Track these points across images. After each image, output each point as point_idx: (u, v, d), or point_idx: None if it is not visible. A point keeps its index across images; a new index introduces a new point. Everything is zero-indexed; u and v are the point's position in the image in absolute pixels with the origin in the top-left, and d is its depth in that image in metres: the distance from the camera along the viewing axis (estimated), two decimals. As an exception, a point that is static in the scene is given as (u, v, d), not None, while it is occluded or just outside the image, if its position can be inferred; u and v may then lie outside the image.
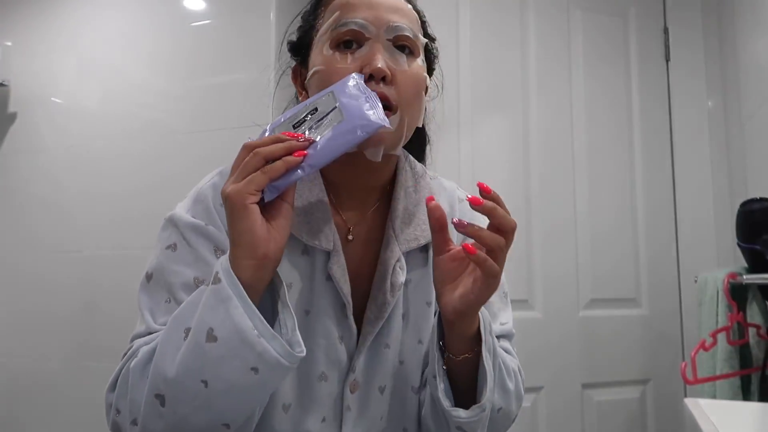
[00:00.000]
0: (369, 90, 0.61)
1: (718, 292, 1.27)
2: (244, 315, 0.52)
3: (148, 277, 0.66)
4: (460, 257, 0.62)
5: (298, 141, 0.55)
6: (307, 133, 0.58)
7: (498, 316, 0.77)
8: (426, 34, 0.76)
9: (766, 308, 1.26)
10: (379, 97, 0.62)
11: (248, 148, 0.55)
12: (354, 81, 0.61)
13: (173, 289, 0.63)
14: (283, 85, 0.81)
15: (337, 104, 0.59)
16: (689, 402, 0.89)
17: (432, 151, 0.87)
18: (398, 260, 0.70)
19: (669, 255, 1.80)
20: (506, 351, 0.76)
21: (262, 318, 0.52)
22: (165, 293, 0.64)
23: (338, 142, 0.57)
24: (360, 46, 0.66)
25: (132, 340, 0.63)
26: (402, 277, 0.70)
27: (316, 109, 0.59)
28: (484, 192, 0.59)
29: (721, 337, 1.24)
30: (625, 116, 1.83)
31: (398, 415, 0.73)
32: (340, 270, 0.68)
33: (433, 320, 0.73)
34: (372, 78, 0.64)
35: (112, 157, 1.94)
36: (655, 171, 1.82)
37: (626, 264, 1.78)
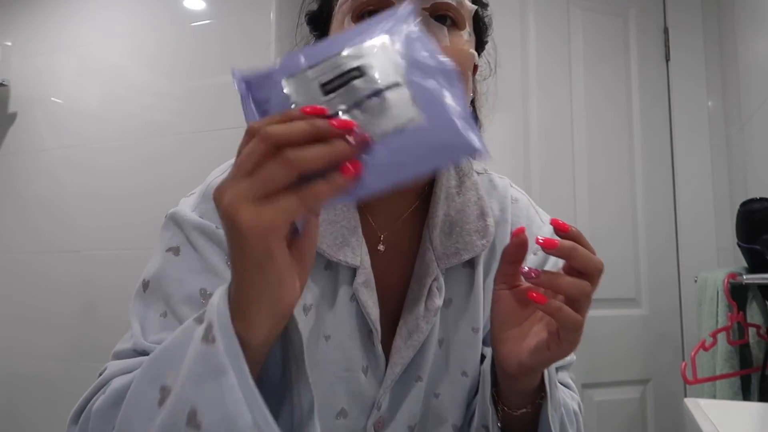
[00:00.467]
0: (447, 63, 0.38)
1: (718, 292, 1.27)
2: (242, 401, 0.35)
3: (145, 284, 0.55)
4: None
5: (347, 137, 0.35)
6: (343, 114, 0.36)
7: None
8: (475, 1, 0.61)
9: (766, 308, 1.26)
10: None
11: (267, 139, 0.34)
12: (419, 36, 0.39)
13: (172, 302, 0.53)
14: None
15: (401, 80, 0.37)
16: (689, 402, 0.89)
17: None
18: (435, 279, 0.59)
19: (669, 255, 1.80)
20: (566, 386, 0.66)
21: (265, 408, 0.36)
22: (162, 305, 0.53)
23: (409, 160, 0.36)
24: None
25: (113, 357, 0.53)
26: (439, 300, 0.59)
27: (361, 72, 0.37)
28: (561, 230, 0.48)
29: (721, 337, 1.24)
30: (625, 116, 1.83)
31: None
32: (367, 291, 0.57)
33: (479, 348, 0.63)
34: None
35: (111, 157, 1.95)
36: (655, 171, 1.82)
37: (626, 264, 1.78)
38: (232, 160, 0.56)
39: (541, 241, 0.46)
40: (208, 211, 0.57)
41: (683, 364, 1.26)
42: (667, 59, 1.86)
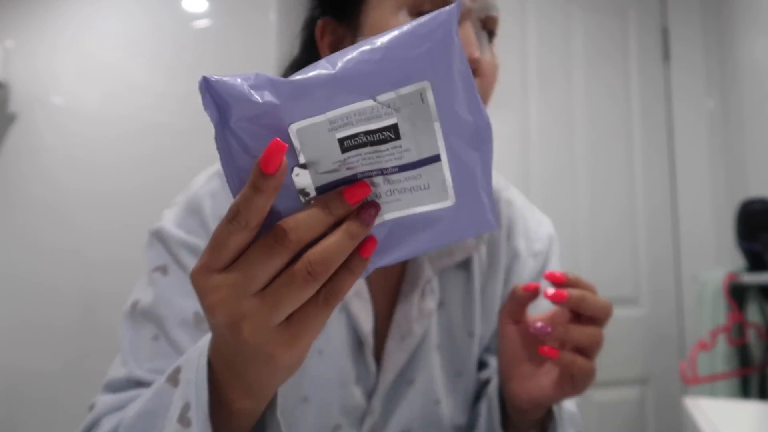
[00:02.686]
0: (485, 118, 0.32)
1: (718, 292, 1.27)
2: None
3: (134, 305, 0.52)
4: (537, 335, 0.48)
5: (361, 214, 0.30)
6: (362, 176, 0.31)
7: None
8: None
9: (766, 308, 1.26)
10: None
11: (288, 246, 0.29)
12: (462, 75, 0.30)
13: (165, 325, 0.50)
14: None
15: (440, 151, 0.31)
16: (689, 402, 0.89)
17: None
18: (428, 281, 0.58)
19: (669, 255, 1.80)
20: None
21: None
22: (152, 328, 0.51)
23: (427, 236, 0.33)
24: None
25: (104, 389, 0.50)
26: (432, 303, 0.58)
27: (394, 134, 0.30)
28: (558, 282, 0.46)
29: (721, 337, 1.24)
30: (625, 116, 1.83)
31: None
32: (360, 302, 0.55)
33: (476, 353, 0.61)
34: None
35: (112, 158, 1.95)
36: (655, 171, 1.82)
37: (626, 264, 1.78)
38: (216, 168, 0.55)
39: (550, 294, 0.45)
40: (193, 227, 0.54)
41: (683, 364, 1.26)
42: (667, 59, 1.86)
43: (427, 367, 0.58)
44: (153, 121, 1.90)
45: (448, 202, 0.31)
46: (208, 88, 0.29)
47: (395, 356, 0.57)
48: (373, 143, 0.30)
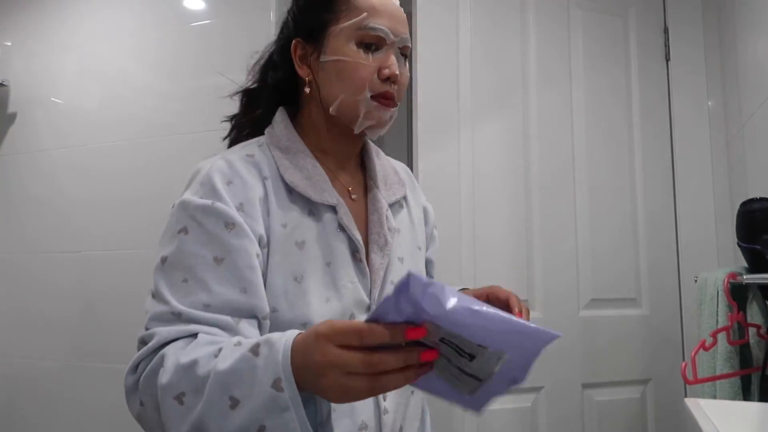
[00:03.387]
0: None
1: (718, 292, 1.27)
2: (298, 428, 0.56)
3: (163, 260, 0.69)
4: None
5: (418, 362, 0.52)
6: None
7: None
8: None
9: (766, 308, 1.26)
10: (388, 96, 0.77)
11: (393, 365, 0.51)
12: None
13: (193, 271, 0.66)
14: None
15: (483, 384, 0.54)
16: (689, 402, 0.89)
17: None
18: (387, 209, 0.83)
19: (669, 255, 1.80)
20: None
21: (311, 430, 0.58)
22: (182, 273, 0.67)
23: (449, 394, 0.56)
24: (378, 49, 0.77)
25: (150, 321, 0.66)
26: (394, 222, 0.83)
27: (470, 358, 0.51)
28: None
29: (721, 337, 1.23)
30: (625, 116, 1.83)
31: None
32: (348, 220, 0.77)
33: (423, 262, 0.91)
34: (388, 79, 0.76)
35: (111, 157, 1.95)
36: (655, 171, 1.82)
37: (626, 264, 1.78)
38: (218, 157, 0.76)
39: None
40: (206, 192, 0.71)
41: (683, 364, 1.25)
42: (667, 59, 1.86)
43: (397, 271, 0.81)
44: (152, 120, 1.90)
45: (466, 396, 0.55)
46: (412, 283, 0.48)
47: (378, 261, 0.79)
48: (457, 350, 0.50)
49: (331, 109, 0.78)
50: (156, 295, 0.67)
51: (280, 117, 0.83)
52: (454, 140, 1.67)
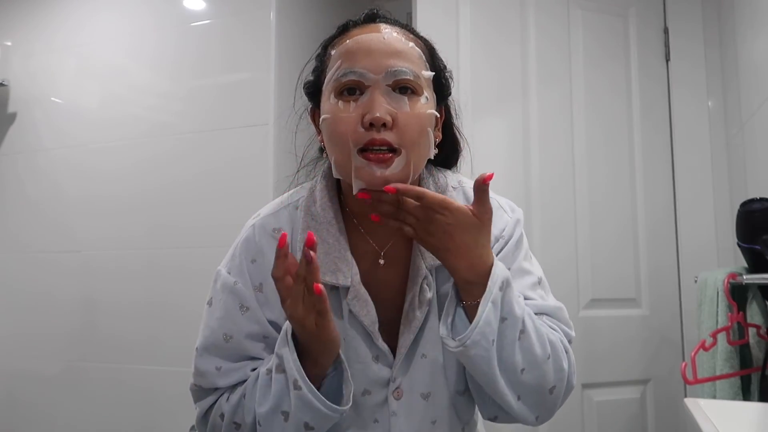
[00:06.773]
0: None
1: (718, 292, 1.27)
2: (322, 408, 0.67)
3: (200, 341, 0.79)
4: None
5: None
6: None
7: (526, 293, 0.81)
8: (434, 66, 0.77)
9: (766, 308, 1.26)
10: (380, 144, 0.66)
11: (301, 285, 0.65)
12: None
13: (205, 344, 0.76)
14: (289, 88, 0.86)
15: None
16: (689, 402, 0.89)
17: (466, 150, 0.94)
18: (425, 278, 0.75)
19: (669, 255, 1.80)
20: (552, 325, 0.79)
21: (330, 404, 0.68)
22: (216, 360, 0.77)
23: None
24: (362, 92, 0.68)
25: (199, 390, 0.78)
26: (429, 294, 0.75)
27: None
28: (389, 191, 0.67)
29: (721, 337, 1.23)
30: (625, 116, 1.83)
31: (451, 418, 0.79)
32: (359, 303, 0.74)
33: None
34: (372, 126, 0.66)
35: (111, 157, 1.94)
36: (655, 171, 1.82)
37: (626, 264, 1.77)
38: (253, 222, 0.80)
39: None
40: (233, 268, 0.77)
41: (683, 364, 1.25)
42: (667, 59, 1.86)
43: (435, 342, 0.75)
44: (152, 120, 1.90)
45: None
46: None
47: (405, 336, 0.75)
48: None
49: (333, 173, 0.73)
50: (198, 373, 0.78)
51: (324, 175, 0.79)
52: (454, 140, 1.67)
